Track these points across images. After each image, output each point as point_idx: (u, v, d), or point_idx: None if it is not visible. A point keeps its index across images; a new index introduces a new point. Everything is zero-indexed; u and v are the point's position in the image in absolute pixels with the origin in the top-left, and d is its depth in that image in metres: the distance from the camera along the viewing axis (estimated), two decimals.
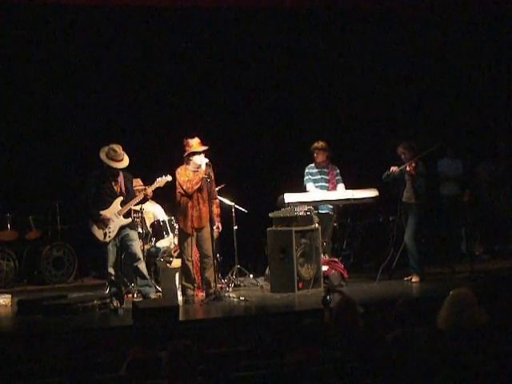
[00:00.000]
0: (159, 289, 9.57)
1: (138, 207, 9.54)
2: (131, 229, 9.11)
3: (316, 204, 10.10)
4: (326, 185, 10.40)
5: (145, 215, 9.92)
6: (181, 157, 9.24)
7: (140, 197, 9.14)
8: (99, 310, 8.72)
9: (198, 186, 9.08)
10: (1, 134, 11.69)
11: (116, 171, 9.00)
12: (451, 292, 5.53)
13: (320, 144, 10.38)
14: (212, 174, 9.26)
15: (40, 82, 11.79)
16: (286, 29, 12.66)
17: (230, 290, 9.68)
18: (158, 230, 10.15)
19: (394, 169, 9.91)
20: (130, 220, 9.07)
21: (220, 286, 9.48)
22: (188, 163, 9.18)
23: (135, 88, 12.11)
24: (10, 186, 11.64)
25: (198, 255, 9.35)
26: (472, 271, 10.34)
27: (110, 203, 8.99)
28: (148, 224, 10.14)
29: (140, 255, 9.11)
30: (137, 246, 9.12)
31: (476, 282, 9.53)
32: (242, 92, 12.55)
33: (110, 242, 8.93)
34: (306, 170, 10.45)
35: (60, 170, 11.87)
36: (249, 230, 10.71)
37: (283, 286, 9.44)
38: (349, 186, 10.38)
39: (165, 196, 9.89)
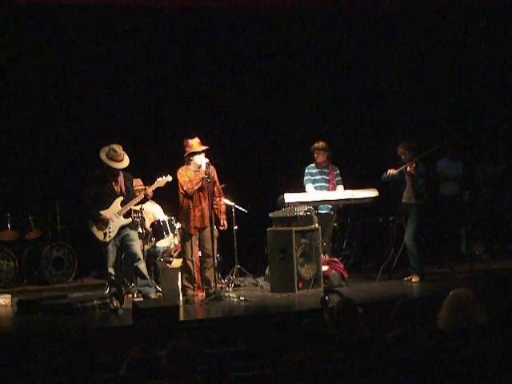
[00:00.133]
0: (159, 289, 9.57)
1: (138, 207, 9.54)
2: (131, 229, 9.12)
3: (316, 204, 10.10)
4: (326, 185, 10.40)
5: (145, 215, 9.91)
6: (181, 157, 9.25)
7: (140, 197, 9.14)
8: (99, 310, 8.71)
9: (199, 186, 9.08)
10: (1, 134, 11.68)
11: (116, 171, 9.00)
12: (451, 292, 5.54)
13: (320, 144, 10.38)
14: (214, 173, 9.27)
15: (40, 82, 11.78)
16: (286, 29, 12.65)
17: (230, 289, 9.69)
18: (158, 229, 10.15)
19: (391, 172, 9.91)
20: (130, 220, 9.07)
21: (220, 286, 9.48)
22: (189, 163, 9.19)
23: (136, 88, 12.10)
24: (10, 186, 11.63)
25: (198, 255, 9.36)
26: (472, 271, 10.35)
27: (110, 203, 8.99)
28: (148, 224, 10.14)
29: (140, 255, 9.11)
30: (137, 246, 9.12)
31: (476, 282, 9.53)
32: (242, 92, 12.54)
33: (110, 241, 8.94)
34: (306, 170, 10.45)
35: (60, 170, 11.87)
36: (249, 230, 10.71)
37: (283, 286, 9.44)
38: (349, 186, 10.38)
39: (165, 196, 9.90)
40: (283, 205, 9.78)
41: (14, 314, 8.99)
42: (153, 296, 9.09)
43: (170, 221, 10.16)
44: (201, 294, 9.39)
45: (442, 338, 5.27)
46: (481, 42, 13.17)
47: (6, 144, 11.72)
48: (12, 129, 11.75)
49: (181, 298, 9.19)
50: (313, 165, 10.45)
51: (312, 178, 10.40)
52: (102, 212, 8.94)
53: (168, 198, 10.06)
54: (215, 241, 9.15)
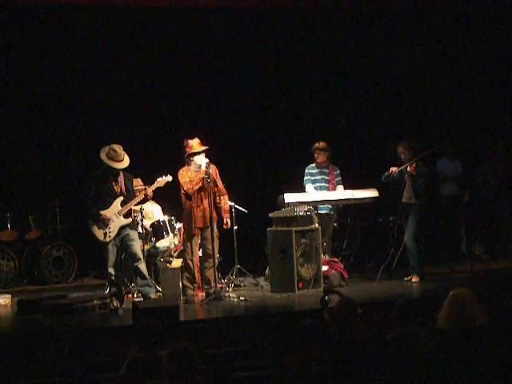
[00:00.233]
0: (159, 289, 9.58)
1: (138, 207, 9.55)
2: (131, 229, 9.12)
3: (316, 204, 10.10)
4: (327, 185, 10.40)
5: (145, 215, 9.91)
6: (181, 157, 9.25)
7: (140, 197, 9.15)
8: (99, 310, 8.71)
9: (199, 186, 9.09)
10: (1, 133, 11.68)
11: (116, 171, 9.00)
12: (451, 292, 5.53)
13: (321, 144, 10.38)
14: (216, 173, 9.28)
15: (40, 82, 11.78)
16: (286, 29, 12.65)
17: (230, 290, 9.69)
18: (158, 230, 10.15)
19: (393, 169, 9.91)
20: (130, 220, 9.07)
21: (220, 286, 9.48)
22: (189, 164, 9.20)
23: (136, 88, 12.10)
24: (10, 186, 11.63)
25: (198, 255, 9.36)
26: (472, 271, 10.35)
27: (111, 203, 8.99)
28: (148, 224, 10.14)
29: (140, 255, 9.11)
30: (137, 246, 9.12)
31: (476, 282, 9.53)
32: (242, 92, 12.54)
33: (110, 241, 8.93)
34: (306, 171, 10.45)
35: (60, 170, 11.87)
36: (249, 230, 10.71)
37: (283, 286, 9.44)
38: (349, 186, 10.38)
39: (165, 196, 9.90)
40: (283, 205, 9.78)
41: (13, 314, 8.99)
42: (153, 296, 9.09)
43: (169, 221, 10.16)
44: (201, 294, 9.39)
45: (442, 337, 5.27)
46: (481, 41, 13.16)
47: (5, 144, 11.71)
48: (12, 129, 11.75)
49: (181, 298, 9.20)
50: (313, 165, 10.45)
51: (312, 178, 10.40)
52: (102, 212, 8.94)
53: (168, 198, 10.06)
54: (216, 240, 9.15)
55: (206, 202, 9.09)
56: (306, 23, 12.70)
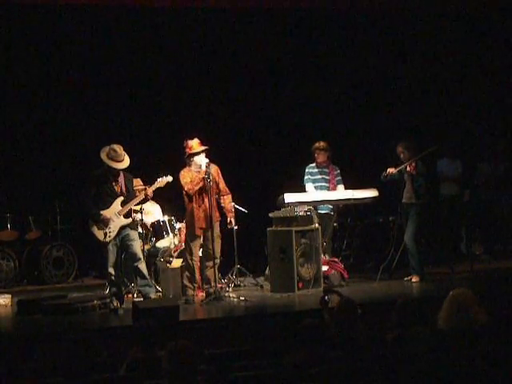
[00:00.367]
0: (159, 289, 9.58)
1: (138, 207, 9.55)
2: (131, 229, 9.12)
3: (316, 204, 10.10)
4: (327, 185, 10.41)
5: (145, 215, 9.91)
6: (182, 157, 9.25)
7: (140, 197, 9.15)
8: (99, 310, 8.71)
9: (199, 186, 9.08)
10: (1, 133, 11.68)
11: (116, 171, 9.00)
12: (451, 292, 5.53)
13: (321, 144, 10.38)
14: (218, 173, 9.28)
15: (39, 82, 11.78)
16: (286, 28, 12.66)
17: (230, 290, 9.69)
18: (158, 230, 10.15)
19: (390, 170, 9.91)
20: (130, 220, 9.07)
21: (220, 286, 9.48)
22: (190, 165, 9.20)
23: (136, 88, 12.10)
24: (10, 186, 11.63)
25: (198, 255, 9.37)
26: (472, 271, 10.35)
27: (111, 203, 8.99)
28: (148, 224, 10.14)
29: (140, 255, 9.11)
30: (137, 246, 9.12)
31: (476, 282, 9.53)
32: (242, 92, 12.54)
33: (110, 241, 8.93)
34: (307, 170, 10.45)
35: (60, 170, 11.86)
36: (249, 230, 10.71)
37: (283, 286, 9.44)
38: (349, 186, 10.38)
39: (165, 196, 9.90)
40: (283, 205, 9.78)
41: (13, 314, 8.98)
42: (153, 296, 9.09)
43: (169, 221, 10.16)
44: (201, 294, 9.39)
45: (442, 338, 5.27)
46: (480, 41, 13.16)
47: (5, 144, 11.71)
48: (12, 129, 11.75)
49: (181, 298, 9.20)
50: (313, 164, 10.45)
51: (312, 177, 10.41)
52: (102, 212, 8.94)
53: (168, 198, 10.06)
54: (216, 240, 9.15)
55: (207, 203, 9.09)
56: (306, 23, 12.69)
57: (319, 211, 10.25)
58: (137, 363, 5.31)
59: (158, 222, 10.17)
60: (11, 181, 11.65)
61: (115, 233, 8.96)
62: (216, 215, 9.24)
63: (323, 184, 10.40)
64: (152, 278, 9.59)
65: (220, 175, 9.33)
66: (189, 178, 9.14)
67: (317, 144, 10.40)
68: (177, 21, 12.17)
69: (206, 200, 9.09)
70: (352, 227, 11.45)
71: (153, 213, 10.36)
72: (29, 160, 11.80)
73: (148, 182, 9.47)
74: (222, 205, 9.37)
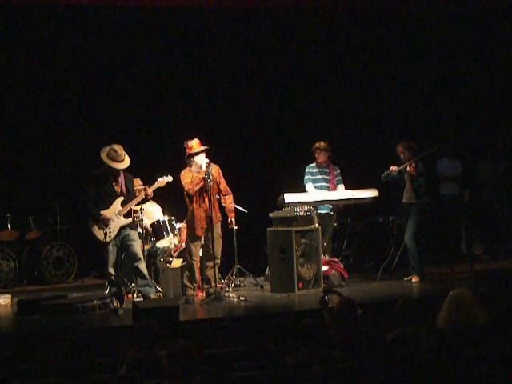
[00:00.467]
0: (159, 289, 9.58)
1: (138, 207, 9.55)
2: (132, 229, 9.12)
3: (316, 204, 10.10)
4: (327, 185, 10.41)
5: (145, 215, 9.91)
6: (182, 157, 9.26)
7: (141, 197, 9.15)
8: (99, 310, 8.71)
9: (200, 186, 9.08)
10: (1, 133, 11.68)
11: (117, 171, 9.00)
12: (451, 292, 5.53)
13: (321, 144, 10.38)
14: (219, 173, 9.28)
15: (40, 82, 11.78)
16: (286, 29, 12.65)
17: (230, 290, 9.69)
18: (158, 230, 10.15)
19: (393, 168, 9.92)
20: (130, 220, 9.07)
21: (220, 286, 9.48)
22: (190, 165, 9.21)
23: (136, 88, 12.10)
24: (10, 186, 11.63)
25: (199, 255, 9.37)
26: (472, 271, 10.35)
27: (111, 203, 8.99)
28: (148, 224, 10.14)
29: (140, 255, 9.11)
30: (137, 246, 9.12)
31: (476, 282, 9.53)
32: (242, 92, 12.54)
33: (110, 241, 8.93)
34: (307, 170, 10.45)
35: (60, 170, 11.86)
36: (249, 230, 10.71)
37: (283, 286, 9.44)
38: (349, 186, 10.39)
39: (165, 196, 9.90)
40: (283, 205, 9.78)
41: (13, 314, 8.99)
42: (153, 296, 9.09)
43: (169, 221, 10.16)
44: (201, 294, 9.39)
45: (442, 338, 5.27)
46: (480, 41, 13.16)
47: (6, 144, 11.71)
48: (12, 129, 11.75)
49: (181, 298, 9.20)
50: (313, 164, 10.45)
51: (312, 177, 10.41)
52: (102, 212, 8.94)
53: (168, 198, 10.06)
54: (217, 241, 9.15)
55: (208, 203, 9.09)
56: (306, 23, 12.69)
57: (319, 211, 10.25)
58: (137, 363, 5.31)
59: (158, 221, 10.17)
60: (11, 181, 11.64)
61: (115, 233, 8.95)
62: (217, 215, 9.24)
63: (323, 184, 10.40)
64: (152, 278, 9.59)
65: (221, 175, 9.33)
66: (189, 178, 9.14)
67: (317, 144, 10.40)
68: (177, 21, 12.17)
69: (207, 200, 9.09)
70: (352, 227, 11.45)
71: (152, 213, 10.35)
72: (29, 160, 11.79)
73: (148, 182, 9.47)
74: (223, 205, 9.37)
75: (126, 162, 9.02)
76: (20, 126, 11.79)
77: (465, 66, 13.18)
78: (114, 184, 9.03)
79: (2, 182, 11.54)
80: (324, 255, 9.96)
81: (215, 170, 9.25)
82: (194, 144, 9.20)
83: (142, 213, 9.67)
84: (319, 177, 10.41)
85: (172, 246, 10.11)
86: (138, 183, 9.76)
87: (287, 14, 12.66)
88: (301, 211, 9.68)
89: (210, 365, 5.33)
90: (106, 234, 8.92)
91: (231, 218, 9.41)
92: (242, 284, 10.15)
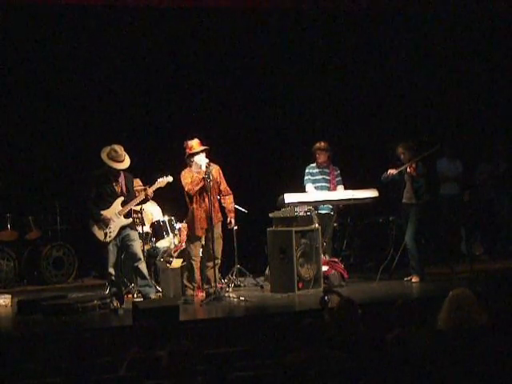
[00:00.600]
0: (159, 289, 9.58)
1: (138, 207, 9.55)
2: (132, 229, 9.11)
3: (316, 204, 10.11)
4: (327, 185, 10.41)
5: (144, 215, 9.92)
6: (182, 157, 9.26)
7: (141, 197, 9.14)
8: (99, 310, 8.71)
9: (200, 186, 9.08)
10: (1, 133, 11.68)
11: (117, 171, 9.00)
12: (451, 292, 5.53)
13: (322, 144, 10.39)
14: (219, 173, 9.28)
15: (40, 82, 11.79)
16: (286, 29, 12.66)
17: (230, 290, 9.69)
18: (158, 230, 10.15)
19: (391, 171, 9.91)
20: (130, 220, 9.07)
21: (220, 286, 9.48)
22: (191, 165, 9.21)
23: (136, 88, 12.10)
24: (10, 186, 11.63)
25: (199, 255, 9.37)
26: (472, 271, 10.35)
27: (111, 203, 8.99)
28: (147, 224, 10.14)
29: (140, 255, 9.11)
30: (137, 246, 9.12)
31: (476, 282, 9.53)
32: (242, 92, 12.54)
33: (110, 242, 8.93)
34: (307, 170, 10.46)
35: (60, 170, 11.87)
36: (249, 230, 10.71)
37: (283, 286, 9.44)
38: (349, 186, 10.39)
39: (165, 196, 9.90)
40: (283, 205, 9.78)
41: (13, 314, 8.99)
42: (153, 296, 9.08)
43: (169, 221, 10.16)
44: (201, 294, 9.40)
45: (442, 338, 5.27)
46: (481, 41, 13.17)
47: (6, 144, 11.71)
48: (12, 129, 11.75)
49: (181, 298, 9.20)
50: (313, 164, 10.45)
51: (313, 177, 10.41)
52: (102, 212, 8.93)
53: (168, 198, 10.06)
54: (218, 241, 9.15)
55: (209, 203, 9.08)
56: (306, 23, 12.70)
57: (319, 211, 10.25)
58: (137, 363, 5.31)
59: (158, 222, 10.17)
60: (11, 181, 11.64)
61: (115, 233, 8.95)
62: (218, 215, 9.24)
63: (324, 184, 10.40)
64: (152, 278, 9.59)
65: (221, 175, 9.33)
66: (189, 178, 9.14)
67: (318, 144, 10.41)
68: (177, 21, 12.17)
69: (207, 200, 9.09)
70: (352, 227, 11.45)
71: (151, 217, 10.34)
72: (29, 160, 11.79)
73: (148, 182, 9.47)
74: (223, 205, 9.37)
75: (127, 163, 9.01)
76: (20, 125, 11.79)
77: (465, 65, 13.18)
78: (114, 184, 9.03)
79: (2, 182, 11.54)
80: (324, 255, 9.96)
81: (215, 170, 9.25)
82: (194, 144, 9.20)
83: (142, 213, 9.67)
84: (319, 177, 10.41)
85: (172, 246, 10.11)
86: (138, 183, 9.76)
87: (287, 14, 12.67)
88: (301, 211, 9.68)
89: (210, 365, 5.33)
90: (106, 234, 8.92)
91: (230, 218, 9.40)
92: (242, 284, 10.15)
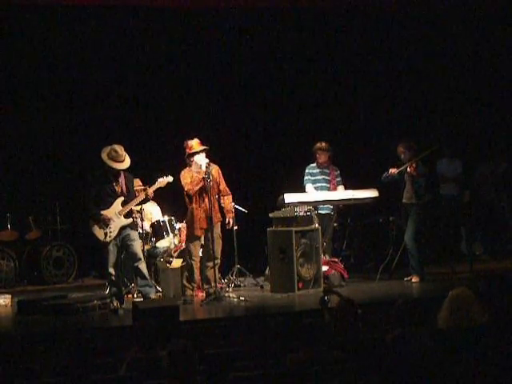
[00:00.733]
0: (159, 289, 9.58)
1: (138, 207, 9.55)
2: (132, 229, 9.11)
3: (316, 204, 10.11)
4: (327, 185, 10.41)
5: (145, 215, 9.92)
6: (182, 157, 9.26)
7: (141, 197, 9.14)
8: (99, 310, 8.71)
9: (199, 186, 9.09)
10: (1, 134, 11.68)
11: (117, 172, 9.00)
12: (451, 292, 5.53)
13: (323, 145, 10.39)
14: (219, 173, 9.28)
15: (40, 82, 11.78)
16: (286, 29, 12.65)
17: (230, 290, 9.69)
18: (158, 230, 10.15)
19: (392, 171, 9.92)
20: (130, 220, 9.07)
21: (220, 286, 9.48)
22: (190, 165, 9.21)
23: (136, 88, 12.10)
24: (10, 186, 11.63)
25: (199, 255, 9.37)
26: (472, 271, 10.35)
27: (111, 203, 8.98)
28: (147, 224, 10.14)
29: (140, 255, 9.11)
30: (137, 246, 9.12)
31: (476, 282, 9.52)
32: (242, 92, 12.54)
33: (110, 242, 8.93)
34: (307, 170, 10.46)
35: (60, 170, 11.86)
36: (249, 230, 10.71)
37: (283, 286, 9.44)
38: (349, 186, 10.39)
39: (165, 196, 9.90)
40: (283, 205, 9.78)
41: (13, 314, 8.99)
42: (153, 296, 9.08)
43: (169, 221, 10.16)
44: (201, 294, 9.40)
45: (442, 338, 5.26)
46: (481, 41, 13.17)
47: (6, 144, 11.71)
48: (12, 129, 11.75)
49: (181, 298, 9.20)
50: (314, 165, 10.45)
51: (313, 178, 10.41)
52: (102, 212, 8.93)
53: (168, 198, 10.06)
54: (217, 241, 9.15)
55: (207, 203, 9.08)
56: (306, 23, 12.69)
57: (319, 211, 10.25)
58: (137, 363, 5.31)
59: (158, 222, 10.17)
60: (11, 181, 11.65)
61: (116, 233, 8.95)
62: (217, 216, 9.24)
63: (324, 184, 10.40)
64: (152, 278, 9.59)
65: (221, 175, 9.33)
66: (189, 178, 9.15)
67: (318, 144, 10.41)
68: (177, 21, 12.17)
69: (207, 200, 9.09)
70: (352, 227, 11.45)
71: (151, 216, 10.34)
72: (29, 160, 11.79)
73: (148, 182, 9.47)
74: (222, 205, 9.37)
75: (127, 162, 9.01)
76: (20, 125, 11.79)
77: (465, 65, 13.18)
78: (114, 184, 9.03)
79: (2, 182, 11.54)
80: (324, 255, 9.96)
81: (215, 170, 9.25)
82: (194, 144, 9.20)
83: (142, 213, 9.67)
84: (320, 177, 10.41)
85: (172, 246, 10.11)
86: (138, 183, 9.76)
87: (288, 14, 12.66)
88: (301, 211, 9.68)
89: (210, 365, 5.33)
90: (106, 234, 8.92)
91: (229, 219, 9.40)
92: (242, 284, 10.16)
